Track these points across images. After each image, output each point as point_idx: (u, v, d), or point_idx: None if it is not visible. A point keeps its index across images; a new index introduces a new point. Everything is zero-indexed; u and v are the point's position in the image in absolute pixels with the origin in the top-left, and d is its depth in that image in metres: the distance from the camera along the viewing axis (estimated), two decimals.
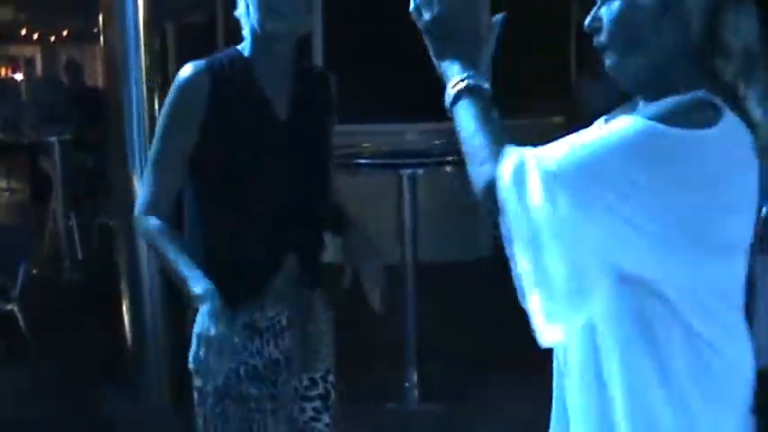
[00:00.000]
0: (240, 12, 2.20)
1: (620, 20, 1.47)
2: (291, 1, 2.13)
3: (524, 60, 7.50)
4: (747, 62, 1.43)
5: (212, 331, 1.95)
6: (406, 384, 4.46)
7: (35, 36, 21.24)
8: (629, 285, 1.37)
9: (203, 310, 1.99)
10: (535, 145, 1.38)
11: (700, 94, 1.40)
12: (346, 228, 2.35)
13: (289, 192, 2.23)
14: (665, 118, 1.34)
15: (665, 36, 1.45)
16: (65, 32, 20.75)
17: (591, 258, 1.30)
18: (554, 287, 1.29)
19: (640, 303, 1.38)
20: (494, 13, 1.57)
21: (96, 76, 13.01)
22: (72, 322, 5.77)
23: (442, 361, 4.77)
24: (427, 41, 1.54)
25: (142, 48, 2.97)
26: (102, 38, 2.97)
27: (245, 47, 2.24)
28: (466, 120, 1.43)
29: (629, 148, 1.31)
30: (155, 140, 2.21)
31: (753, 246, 1.55)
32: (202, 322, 1.97)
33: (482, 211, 1.38)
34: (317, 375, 2.35)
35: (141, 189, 2.24)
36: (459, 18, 1.52)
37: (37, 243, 6.71)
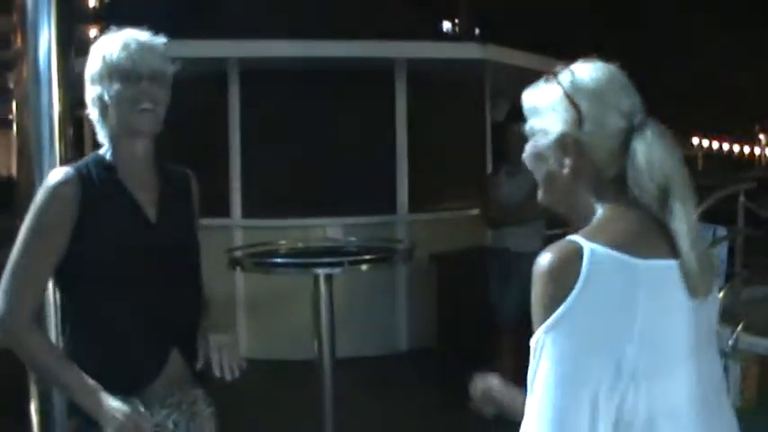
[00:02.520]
0: (94, 116, 2.21)
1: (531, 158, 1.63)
2: (155, 94, 2.16)
3: (442, 157, 7.65)
4: (664, 191, 1.51)
5: None
6: None
7: None
8: None
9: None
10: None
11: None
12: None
13: (164, 294, 2.21)
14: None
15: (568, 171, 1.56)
16: None
17: None
18: None
19: None
20: None
21: (10, 164, 12.79)
22: None
23: None
24: None
25: (57, 137, 2.92)
26: (15, 126, 2.93)
27: (105, 151, 2.23)
28: None
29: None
30: (20, 246, 2.14)
31: None
32: None
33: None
34: None
35: (4, 296, 2.13)
36: None
37: None
